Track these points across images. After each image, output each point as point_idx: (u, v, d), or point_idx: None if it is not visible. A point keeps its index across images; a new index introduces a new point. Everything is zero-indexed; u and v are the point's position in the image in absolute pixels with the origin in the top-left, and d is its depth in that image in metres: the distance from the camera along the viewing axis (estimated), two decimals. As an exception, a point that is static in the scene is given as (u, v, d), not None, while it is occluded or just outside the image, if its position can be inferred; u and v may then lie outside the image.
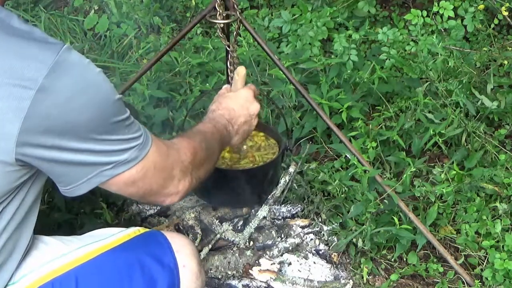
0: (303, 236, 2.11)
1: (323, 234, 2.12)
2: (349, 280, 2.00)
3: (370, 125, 2.39)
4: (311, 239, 2.11)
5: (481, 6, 2.99)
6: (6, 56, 1.08)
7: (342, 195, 2.16)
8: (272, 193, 2.18)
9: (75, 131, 1.13)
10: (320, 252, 2.09)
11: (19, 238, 1.25)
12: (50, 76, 1.08)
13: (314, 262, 2.04)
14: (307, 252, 2.07)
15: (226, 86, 1.80)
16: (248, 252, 2.02)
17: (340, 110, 2.41)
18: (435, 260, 2.06)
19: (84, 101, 1.12)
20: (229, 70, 1.98)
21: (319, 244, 2.10)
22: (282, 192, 2.22)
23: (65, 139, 1.12)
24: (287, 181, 2.23)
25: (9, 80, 1.07)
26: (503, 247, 2.00)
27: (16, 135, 1.08)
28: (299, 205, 2.21)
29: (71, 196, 1.23)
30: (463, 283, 1.98)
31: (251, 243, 2.07)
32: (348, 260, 2.07)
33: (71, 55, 1.11)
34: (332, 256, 2.07)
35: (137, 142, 1.22)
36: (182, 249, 1.42)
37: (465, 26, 3.01)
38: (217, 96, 1.75)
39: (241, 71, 1.76)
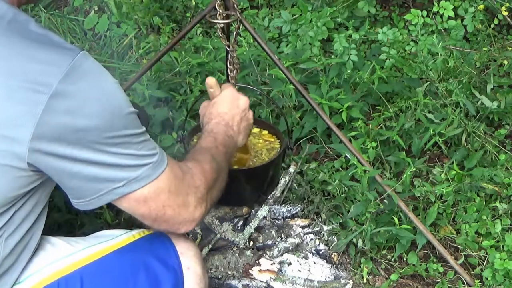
0: (303, 236, 2.11)
1: (323, 234, 2.12)
2: (349, 280, 2.00)
3: (370, 125, 2.39)
4: (311, 239, 2.11)
5: (481, 6, 2.99)
6: (20, 59, 1.08)
7: (342, 195, 2.16)
8: (272, 193, 2.18)
9: (86, 140, 1.11)
10: (320, 252, 2.09)
11: (28, 241, 1.26)
12: (65, 81, 1.07)
13: (314, 262, 2.04)
14: (307, 252, 2.07)
15: (205, 101, 1.75)
16: (248, 252, 2.02)
17: (340, 110, 2.41)
18: (435, 260, 2.06)
19: (96, 108, 1.11)
20: (229, 70, 1.98)
21: (319, 244, 2.10)
22: (282, 192, 2.22)
23: (77, 148, 1.11)
24: (287, 181, 2.23)
25: (22, 84, 1.06)
26: (503, 247, 2.00)
27: (29, 141, 1.08)
28: (299, 205, 2.21)
29: (82, 209, 1.23)
30: (463, 283, 1.98)
31: (251, 243, 2.07)
32: (348, 260, 2.07)
33: (87, 61, 1.11)
34: (332, 256, 2.07)
35: (151, 160, 1.20)
36: (186, 252, 1.43)
37: (465, 26, 3.01)
38: (203, 109, 1.72)
39: (209, 81, 1.73)
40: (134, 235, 1.43)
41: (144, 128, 1.21)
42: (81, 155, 1.12)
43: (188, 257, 1.42)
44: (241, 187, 2.06)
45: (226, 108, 1.66)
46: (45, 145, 1.09)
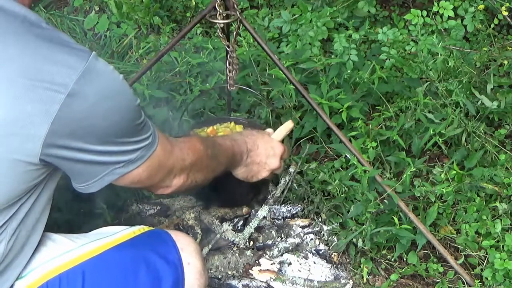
0: (303, 236, 2.11)
1: (323, 234, 2.12)
2: (349, 280, 2.00)
3: (370, 125, 2.38)
4: (311, 239, 2.11)
5: (481, 6, 2.99)
6: (35, 59, 1.11)
7: (342, 195, 2.16)
8: (272, 193, 2.18)
9: (97, 134, 1.18)
10: (320, 252, 2.09)
11: (32, 235, 1.29)
12: (80, 81, 1.12)
13: (314, 262, 2.04)
14: (307, 252, 2.07)
15: (270, 129, 1.87)
16: (248, 252, 2.02)
17: (340, 110, 2.41)
18: (435, 260, 2.06)
19: (109, 106, 1.17)
20: (228, 70, 1.98)
21: (319, 244, 2.10)
22: (282, 192, 2.22)
23: (88, 141, 1.18)
24: (287, 181, 2.23)
25: (38, 83, 1.10)
26: (503, 247, 2.00)
27: (44, 138, 1.12)
28: (299, 205, 2.21)
29: (85, 192, 1.30)
30: (463, 283, 1.98)
31: (251, 243, 2.07)
32: (348, 260, 2.07)
33: (99, 62, 1.16)
34: (332, 256, 2.07)
35: (147, 142, 1.29)
36: (187, 247, 1.45)
37: (465, 26, 3.01)
38: (257, 131, 1.84)
39: (288, 124, 1.84)
40: (134, 231, 1.46)
41: (143, 114, 1.28)
42: (91, 146, 1.19)
43: (189, 253, 1.44)
44: (239, 188, 2.06)
45: (263, 148, 1.79)
46: (58, 140, 1.14)
